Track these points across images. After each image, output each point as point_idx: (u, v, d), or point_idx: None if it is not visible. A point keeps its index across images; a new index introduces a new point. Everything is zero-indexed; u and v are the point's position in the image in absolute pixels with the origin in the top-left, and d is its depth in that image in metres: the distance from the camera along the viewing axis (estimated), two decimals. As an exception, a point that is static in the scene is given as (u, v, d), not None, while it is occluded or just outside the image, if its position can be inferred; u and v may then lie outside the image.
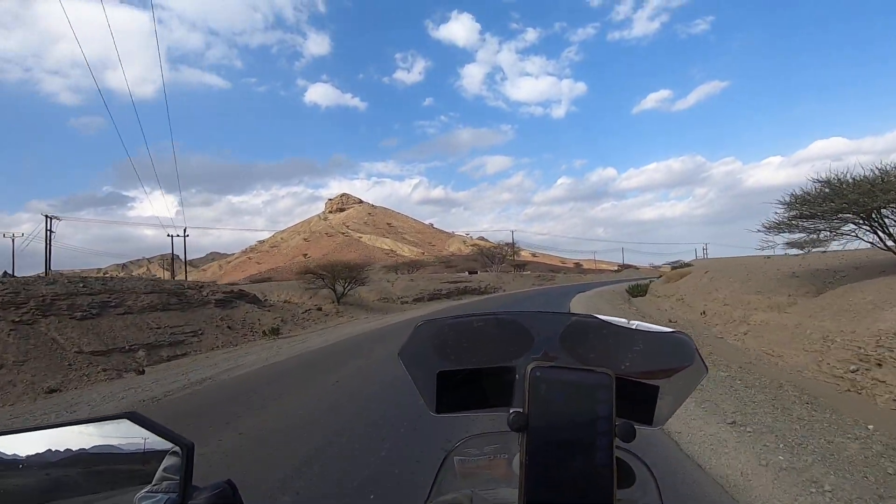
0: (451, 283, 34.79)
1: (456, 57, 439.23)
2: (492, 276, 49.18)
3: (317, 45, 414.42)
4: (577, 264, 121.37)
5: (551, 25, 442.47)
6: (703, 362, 0.67)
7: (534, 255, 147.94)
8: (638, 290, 25.75)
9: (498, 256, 60.78)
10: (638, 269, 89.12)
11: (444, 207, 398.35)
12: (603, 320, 0.70)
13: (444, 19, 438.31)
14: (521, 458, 0.57)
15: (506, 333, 0.71)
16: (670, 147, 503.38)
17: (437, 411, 0.72)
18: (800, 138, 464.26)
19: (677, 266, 33.28)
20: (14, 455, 0.67)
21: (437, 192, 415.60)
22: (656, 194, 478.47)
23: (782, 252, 11.25)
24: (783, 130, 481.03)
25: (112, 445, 0.67)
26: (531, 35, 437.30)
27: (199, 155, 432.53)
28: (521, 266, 62.10)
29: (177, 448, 0.64)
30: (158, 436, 0.64)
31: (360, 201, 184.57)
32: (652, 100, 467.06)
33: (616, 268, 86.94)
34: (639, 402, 0.68)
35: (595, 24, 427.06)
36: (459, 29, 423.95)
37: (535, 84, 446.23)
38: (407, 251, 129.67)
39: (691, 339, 0.68)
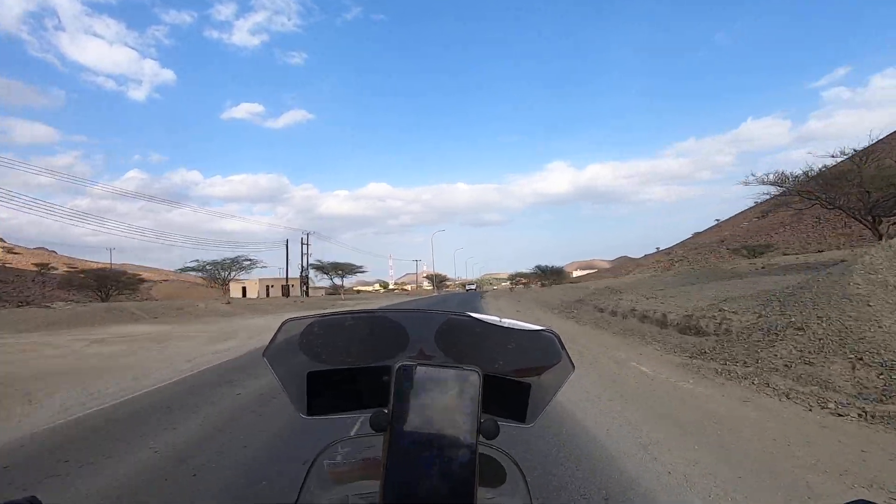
0: None
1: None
2: None
3: None
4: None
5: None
6: (570, 361, 0.66)
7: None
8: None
9: None
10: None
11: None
12: (476, 318, 0.67)
13: None
14: (382, 458, 0.55)
15: (380, 332, 0.69)
16: (259, 162, 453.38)
17: (309, 413, 0.68)
18: (361, 178, 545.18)
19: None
20: None
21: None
22: (241, 206, 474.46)
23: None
24: (349, 170, 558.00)
25: None
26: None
27: None
28: None
29: None
30: None
31: None
32: (244, 110, 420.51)
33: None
34: (514, 400, 0.67)
35: (192, 13, 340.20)
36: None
37: (107, 50, 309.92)
38: None
39: (558, 337, 0.66)
